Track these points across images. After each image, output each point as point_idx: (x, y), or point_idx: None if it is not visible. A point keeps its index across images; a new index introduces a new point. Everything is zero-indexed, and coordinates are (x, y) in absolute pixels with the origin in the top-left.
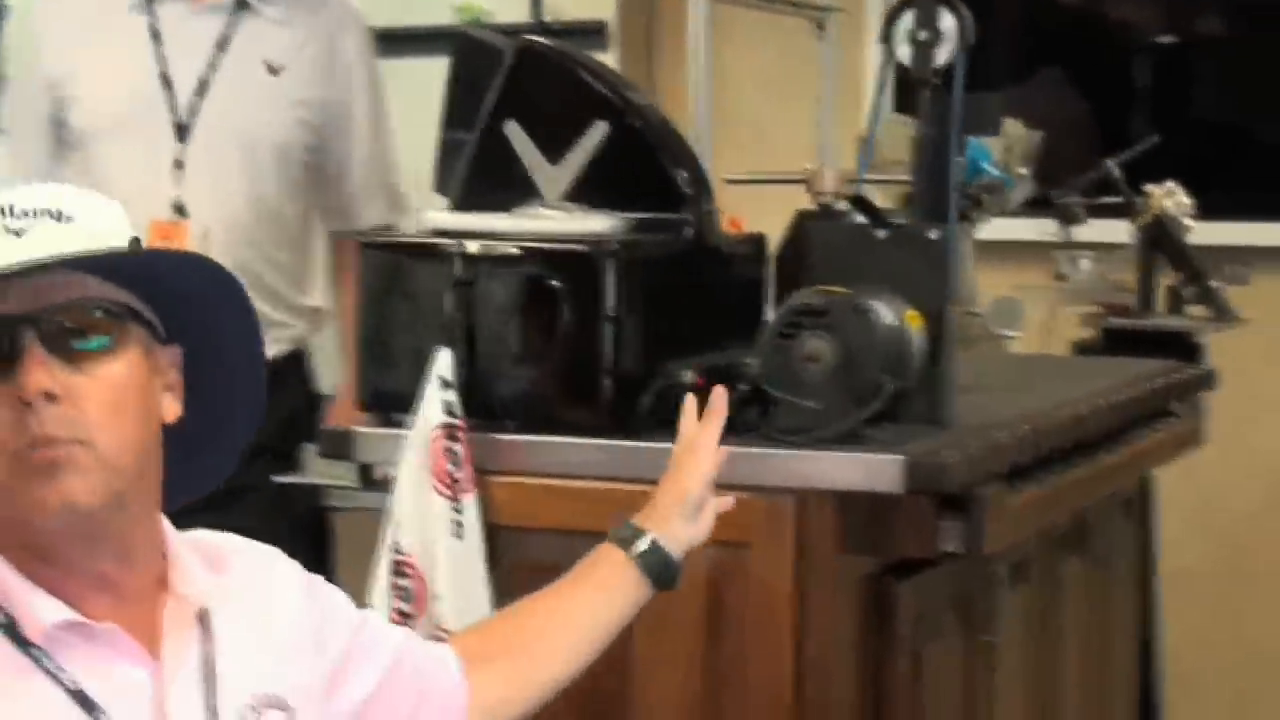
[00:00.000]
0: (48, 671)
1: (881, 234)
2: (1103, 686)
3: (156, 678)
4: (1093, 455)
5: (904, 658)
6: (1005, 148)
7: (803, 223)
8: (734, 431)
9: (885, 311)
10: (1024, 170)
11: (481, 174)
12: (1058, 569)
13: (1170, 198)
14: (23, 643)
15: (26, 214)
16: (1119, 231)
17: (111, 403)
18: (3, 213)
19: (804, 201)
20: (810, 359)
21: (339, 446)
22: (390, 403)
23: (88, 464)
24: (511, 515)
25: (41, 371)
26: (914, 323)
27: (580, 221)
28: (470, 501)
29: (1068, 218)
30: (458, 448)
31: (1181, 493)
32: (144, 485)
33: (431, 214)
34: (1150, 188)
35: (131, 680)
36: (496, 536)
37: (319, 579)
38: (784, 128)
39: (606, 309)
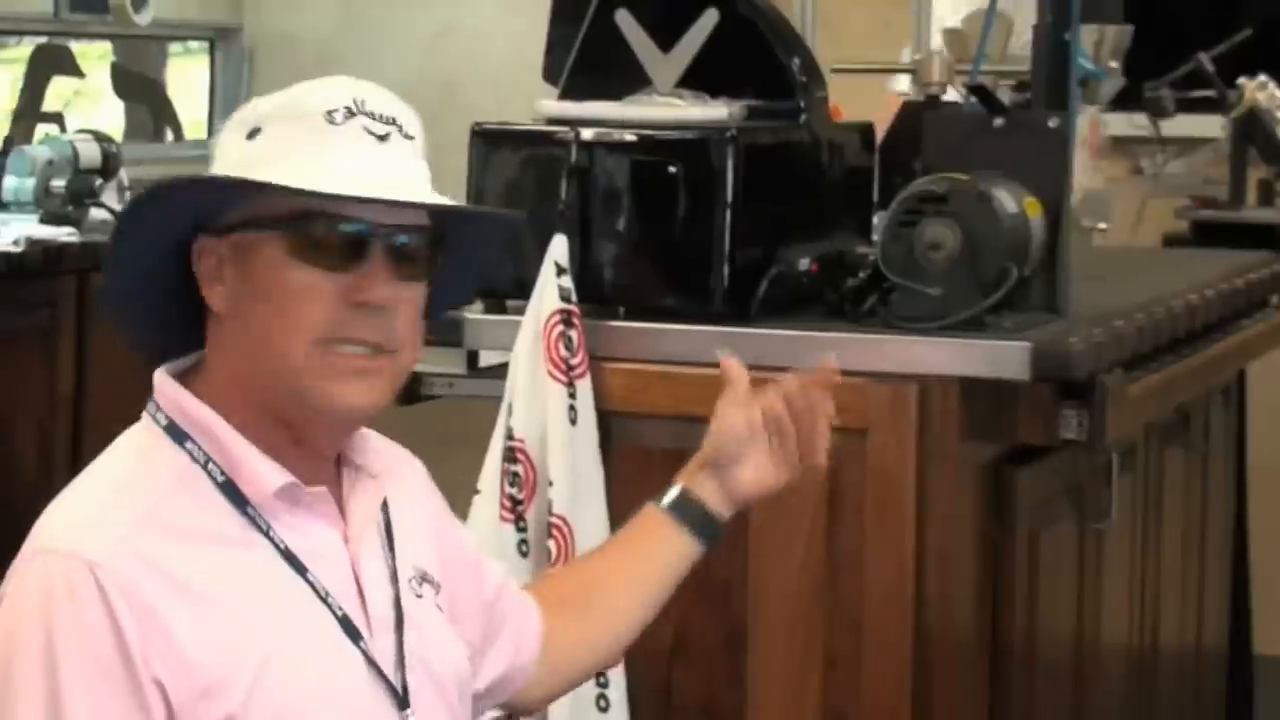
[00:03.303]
0: (262, 530)
1: (998, 122)
2: (1200, 575)
3: (346, 540)
4: (1203, 345)
5: (1021, 545)
6: (1095, 41)
7: (910, 112)
8: (851, 319)
9: (1007, 198)
10: (1114, 63)
11: (590, 63)
12: (1162, 458)
13: (1263, 90)
14: (240, 501)
15: (383, 119)
16: (1207, 126)
17: (416, 320)
18: (359, 108)
19: (882, 91)
20: (932, 246)
21: (448, 333)
22: (499, 290)
23: (386, 372)
24: (624, 401)
25: (388, 281)
26: (1033, 210)
27: (696, 108)
28: (585, 386)
29: (1157, 111)
30: (573, 333)
31: (1265, 386)
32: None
33: (544, 102)
34: (1243, 80)
35: (327, 541)
36: (608, 422)
37: (442, 500)
38: (858, 20)
39: (723, 195)
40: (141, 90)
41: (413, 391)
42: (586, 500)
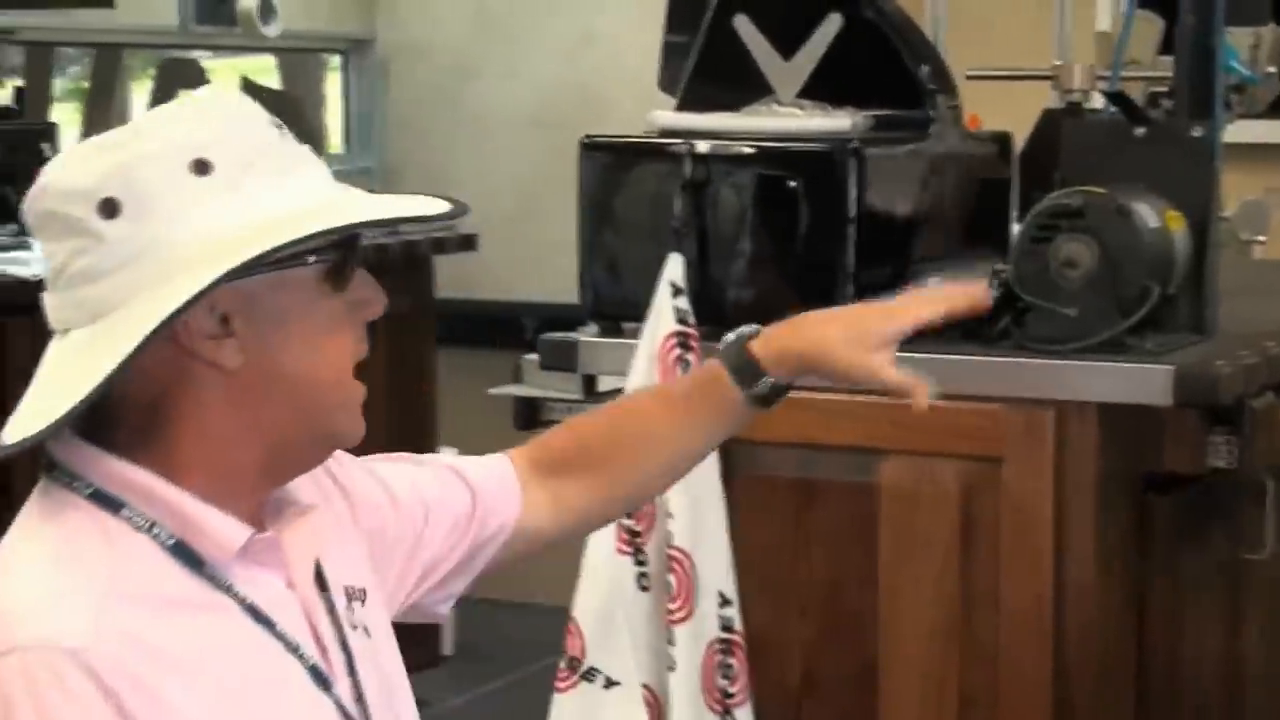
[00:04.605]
0: (224, 589)
1: (1139, 131)
2: None
3: (290, 584)
4: None
5: (1166, 577)
6: (1252, 44)
7: (1051, 120)
8: (984, 341)
9: (1147, 212)
10: (1272, 69)
11: (708, 71)
12: None
13: None
14: (195, 562)
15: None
16: None
17: None
18: (276, 122)
19: (1031, 99)
20: (1068, 263)
21: (562, 357)
22: (615, 311)
23: None
24: (745, 428)
25: (380, 291)
26: (1175, 224)
27: (819, 119)
28: None
29: None
30: (690, 357)
31: None
32: None
33: (658, 113)
34: None
35: (278, 588)
36: (729, 450)
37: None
38: (1010, 24)
39: (846, 211)
40: (272, 105)
41: (530, 417)
42: (707, 532)
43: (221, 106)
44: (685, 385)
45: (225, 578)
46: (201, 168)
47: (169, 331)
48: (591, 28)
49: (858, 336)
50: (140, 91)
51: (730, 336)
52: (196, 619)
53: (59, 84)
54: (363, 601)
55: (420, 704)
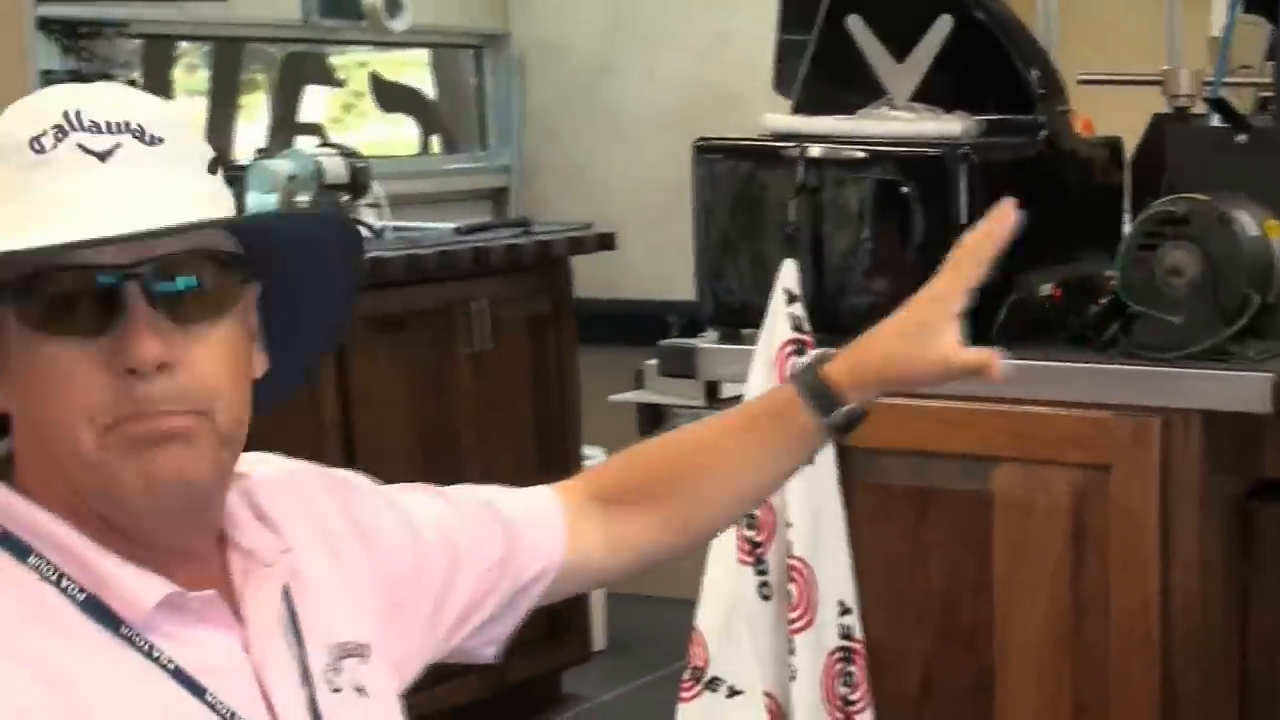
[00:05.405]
0: (143, 652)
1: (1240, 138)
2: None
3: (246, 644)
4: None
5: (1271, 583)
6: None
7: (1159, 126)
8: (1094, 348)
9: (1248, 221)
10: None
11: (823, 73)
12: None
13: None
14: (111, 621)
15: (110, 128)
16: None
17: (228, 368)
18: (72, 124)
19: (1151, 104)
20: (1173, 271)
21: (681, 363)
22: (733, 317)
23: (204, 437)
24: (863, 436)
25: (151, 337)
26: (1274, 233)
27: (931, 123)
28: None
29: None
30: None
31: None
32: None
33: (771, 116)
34: None
35: (225, 650)
36: (847, 458)
37: (357, 481)
38: (1129, 26)
39: (957, 215)
40: (405, 101)
41: (654, 424)
42: (826, 540)
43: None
44: (756, 412)
45: (146, 639)
46: None
47: None
48: (727, 27)
49: (917, 332)
50: (263, 87)
51: (802, 361)
52: (105, 690)
53: (180, 79)
54: (364, 659)
55: (572, 699)
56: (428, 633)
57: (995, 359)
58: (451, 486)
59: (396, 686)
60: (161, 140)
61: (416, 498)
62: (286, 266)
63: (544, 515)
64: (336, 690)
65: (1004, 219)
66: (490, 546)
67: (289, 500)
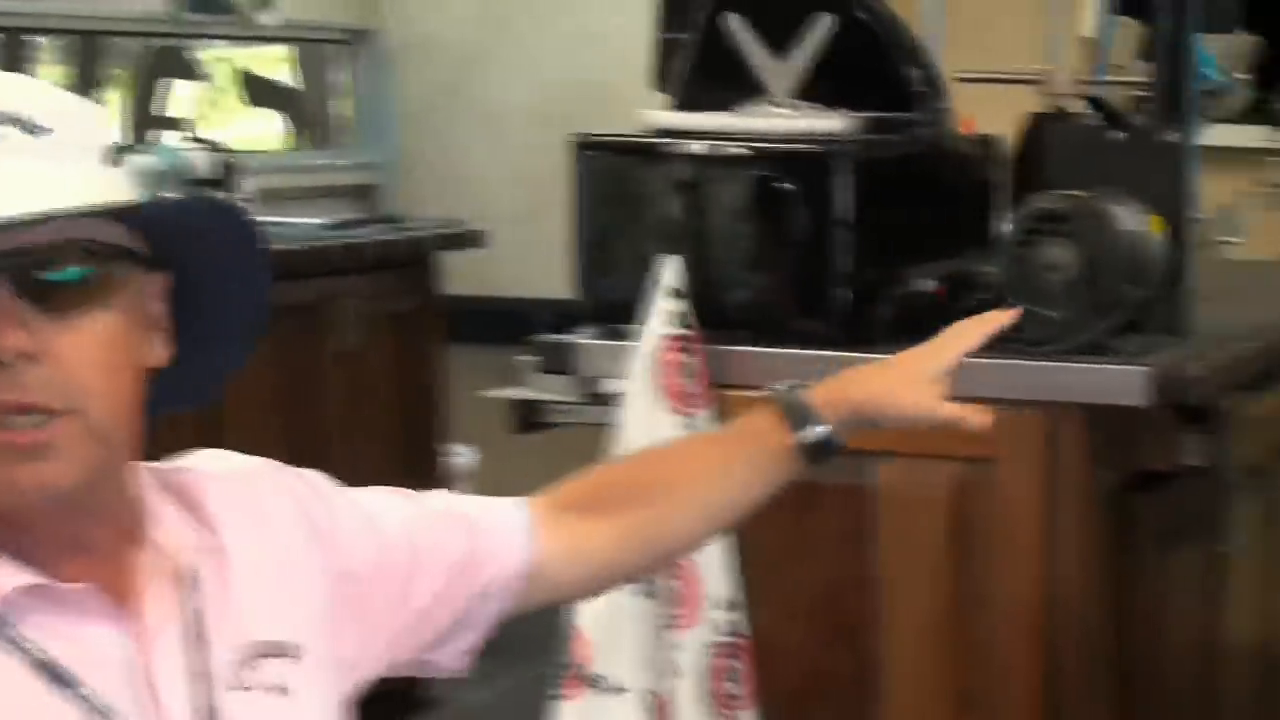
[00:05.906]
0: (8, 640)
1: (1118, 136)
2: None
3: (138, 640)
4: None
5: (1147, 572)
6: (1224, 52)
7: (1037, 124)
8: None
9: (1127, 217)
10: (1242, 75)
11: (703, 71)
12: None
13: None
14: None
15: None
16: None
17: (105, 361)
18: None
19: (1029, 104)
20: (1051, 267)
21: (561, 360)
22: (613, 313)
23: (75, 437)
24: None
25: (16, 327)
26: (1155, 229)
27: (812, 120)
28: (704, 417)
29: None
30: (691, 360)
31: None
32: (129, 443)
33: (652, 112)
34: None
35: (108, 645)
36: None
37: (317, 480)
38: (1005, 26)
39: (841, 213)
40: (273, 96)
41: (527, 421)
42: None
43: None
44: (732, 430)
45: (11, 629)
46: None
47: None
48: (600, 23)
49: (909, 378)
50: (125, 84)
51: (780, 386)
52: None
53: (41, 75)
54: (293, 659)
55: (438, 701)
56: (387, 631)
57: (982, 416)
58: (418, 491)
59: (338, 688)
60: (49, 130)
61: (379, 497)
62: (189, 259)
63: (508, 520)
64: (246, 689)
65: (1001, 319)
66: (452, 547)
67: (233, 497)
